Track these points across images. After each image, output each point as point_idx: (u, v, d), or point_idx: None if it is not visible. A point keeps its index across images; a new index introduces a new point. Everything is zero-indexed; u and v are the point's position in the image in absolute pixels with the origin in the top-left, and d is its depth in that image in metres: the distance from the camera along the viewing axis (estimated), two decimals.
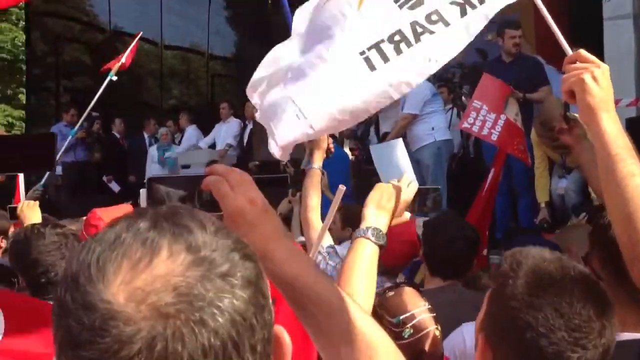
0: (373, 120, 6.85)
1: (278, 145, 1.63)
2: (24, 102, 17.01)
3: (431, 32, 1.58)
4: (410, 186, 1.59)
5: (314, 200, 2.66)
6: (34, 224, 2.21)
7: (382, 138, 6.39)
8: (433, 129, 5.89)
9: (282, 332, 0.69)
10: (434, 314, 1.86)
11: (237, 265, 0.63)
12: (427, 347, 1.73)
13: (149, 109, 12.53)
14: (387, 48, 1.58)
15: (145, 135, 9.84)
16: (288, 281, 0.99)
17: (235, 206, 1.00)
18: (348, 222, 3.56)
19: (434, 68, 1.59)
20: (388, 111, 6.48)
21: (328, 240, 2.73)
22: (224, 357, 0.59)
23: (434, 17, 1.59)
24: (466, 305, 2.37)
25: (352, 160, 7.15)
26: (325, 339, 1.00)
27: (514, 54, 5.47)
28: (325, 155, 2.73)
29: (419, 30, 1.59)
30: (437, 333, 1.80)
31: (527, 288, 1.13)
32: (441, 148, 5.90)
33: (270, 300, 0.67)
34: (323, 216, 2.94)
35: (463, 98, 6.72)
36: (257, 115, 1.77)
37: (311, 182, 2.67)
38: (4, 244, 3.20)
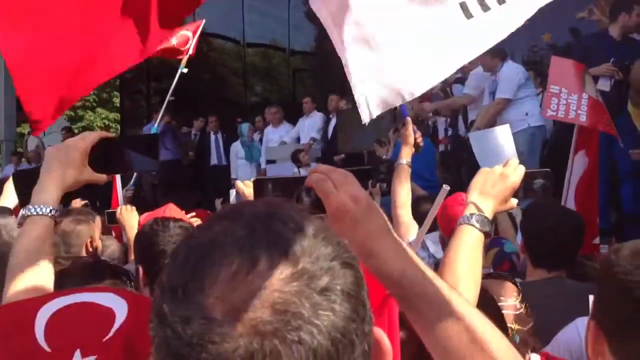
0: (461, 110, 6.71)
1: (371, 106, 1.56)
2: (118, 104, 17.96)
3: None
4: (517, 170, 1.50)
5: (402, 196, 2.64)
6: (158, 218, 2.30)
7: (470, 127, 6.24)
8: (527, 114, 5.70)
9: (382, 337, 0.67)
10: (520, 312, 1.79)
11: (337, 277, 0.61)
12: None
13: (233, 106, 12.87)
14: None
15: (211, 133, 10.01)
16: (394, 278, 0.97)
17: (339, 204, 0.99)
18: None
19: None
20: (477, 100, 6.34)
21: (413, 234, 2.70)
22: None
23: None
24: (574, 297, 2.26)
25: (442, 150, 7.02)
26: (433, 334, 0.98)
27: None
28: (413, 150, 2.69)
29: None
30: (509, 333, 1.72)
31: (631, 256, 1.10)
32: (535, 134, 5.70)
33: (370, 307, 0.65)
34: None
35: None
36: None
37: (399, 179, 2.64)
38: (99, 243, 3.30)
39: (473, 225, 1.41)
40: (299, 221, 0.65)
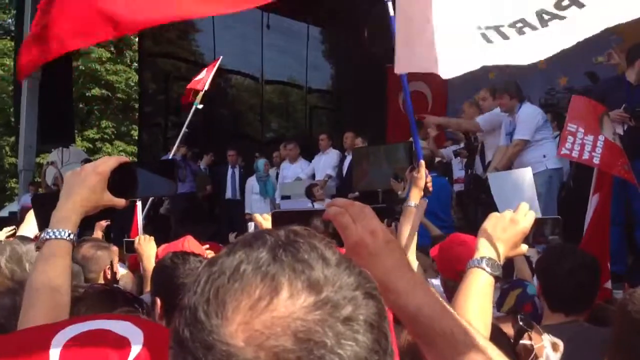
0: (478, 149, 6.70)
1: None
2: (136, 137, 18.17)
3: (561, 18, 1.47)
4: (527, 216, 1.49)
5: (406, 239, 2.62)
6: (178, 252, 2.30)
7: (487, 167, 6.24)
8: (544, 156, 5.69)
9: None
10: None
11: (360, 307, 0.61)
12: None
13: (249, 141, 12.98)
14: (508, 31, 1.51)
15: (229, 166, 10.08)
16: (411, 313, 0.96)
17: (357, 238, 0.99)
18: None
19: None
20: (493, 139, 6.34)
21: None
22: None
23: (565, 3, 1.47)
24: (593, 341, 2.21)
25: (458, 190, 7.01)
26: None
27: None
28: (422, 194, 2.70)
29: (546, 17, 1.49)
30: None
31: None
32: (552, 176, 5.69)
33: (391, 340, 0.64)
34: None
35: None
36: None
37: (406, 220, 2.63)
38: (117, 270, 3.34)
39: (483, 269, 1.40)
40: (321, 249, 0.64)
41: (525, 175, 4.41)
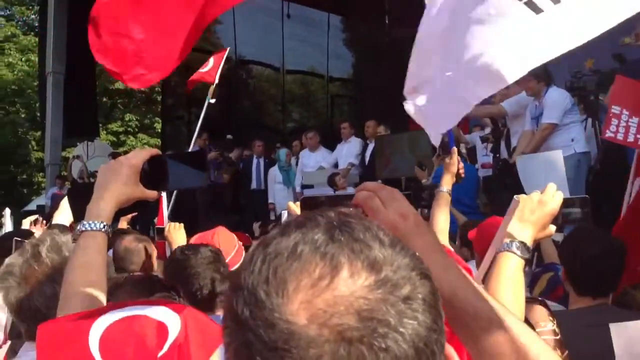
0: (504, 134, 6.64)
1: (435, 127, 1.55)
2: (159, 130, 18.36)
3: None
4: (555, 197, 1.48)
5: (441, 223, 2.63)
6: (187, 245, 2.35)
7: (512, 152, 6.18)
8: (573, 140, 5.62)
9: (452, 353, 0.66)
10: (559, 337, 1.74)
11: (418, 287, 0.61)
12: None
13: (271, 131, 13.02)
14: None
15: (254, 157, 10.12)
16: (445, 297, 0.94)
17: (387, 221, 0.98)
18: (463, 241, 3.45)
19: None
20: (518, 125, 6.28)
21: None
22: None
23: None
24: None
25: (484, 176, 6.95)
26: (485, 354, 0.96)
27: None
28: (454, 180, 2.70)
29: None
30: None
31: None
32: (581, 160, 5.62)
33: (444, 320, 0.64)
34: None
35: (601, 105, 6.34)
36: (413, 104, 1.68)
37: (439, 205, 2.64)
38: (155, 262, 3.41)
39: (514, 253, 1.39)
40: (375, 230, 0.64)
41: (556, 158, 4.35)
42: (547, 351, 0.96)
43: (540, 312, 1.79)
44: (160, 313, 1.00)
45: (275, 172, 9.77)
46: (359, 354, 0.55)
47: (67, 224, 2.58)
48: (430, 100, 1.63)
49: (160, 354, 0.95)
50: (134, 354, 0.95)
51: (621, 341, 4.16)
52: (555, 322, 1.81)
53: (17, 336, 1.96)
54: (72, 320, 1.09)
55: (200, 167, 1.48)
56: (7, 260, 1.88)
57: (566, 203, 1.52)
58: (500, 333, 0.94)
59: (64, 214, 2.58)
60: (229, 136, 10.67)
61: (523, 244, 1.41)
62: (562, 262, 2.73)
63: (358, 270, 0.59)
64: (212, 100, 6.86)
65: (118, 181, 1.37)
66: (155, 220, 4.85)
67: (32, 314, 1.73)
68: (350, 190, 7.81)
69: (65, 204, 2.54)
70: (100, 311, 1.03)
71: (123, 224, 5.24)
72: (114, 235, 4.11)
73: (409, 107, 1.83)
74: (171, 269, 2.33)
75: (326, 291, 0.58)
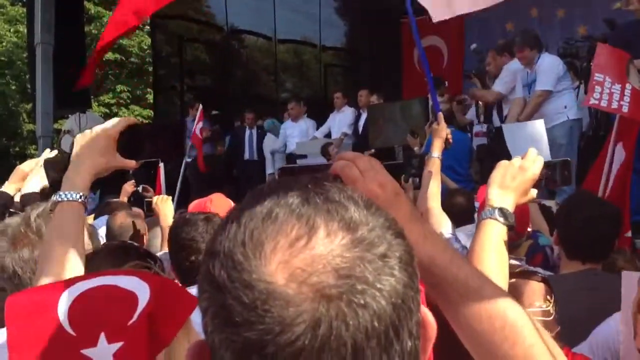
0: (495, 105, 6.64)
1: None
2: (152, 101, 18.20)
3: None
4: (536, 162, 1.49)
5: (433, 188, 2.65)
6: (184, 213, 2.36)
7: (504, 121, 6.19)
8: (565, 107, 5.62)
9: (427, 312, 0.67)
10: (549, 319, 1.76)
11: (393, 245, 0.62)
12: None
13: (264, 102, 12.94)
14: None
15: (246, 128, 10.07)
16: (424, 264, 0.94)
17: (366, 190, 0.96)
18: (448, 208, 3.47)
19: None
20: (511, 94, 6.29)
21: (449, 227, 2.70)
22: (385, 341, 0.58)
23: None
24: (608, 291, 2.23)
25: (478, 144, 6.96)
26: (464, 320, 0.97)
27: None
28: (444, 146, 2.72)
29: None
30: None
31: None
32: (573, 127, 5.65)
33: (418, 279, 0.65)
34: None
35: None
36: None
37: (431, 171, 2.66)
38: (146, 236, 3.44)
39: (496, 220, 1.39)
40: (349, 192, 0.65)
41: (539, 127, 4.39)
42: (524, 316, 0.97)
43: (536, 290, 1.78)
44: (130, 282, 1.00)
45: (267, 142, 9.76)
46: (338, 310, 0.56)
47: (13, 193, 2.58)
48: None
49: (130, 322, 0.95)
50: (104, 323, 0.95)
51: (511, 140, 4.20)
52: (552, 301, 1.81)
53: None
54: (41, 291, 1.10)
55: (179, 137, 1.48)
56: (6, 220, 1.91)
57: (547, 167, 1.53)
58: (477, 298, 0.95)
59: (34, 181, 2.57)
60: (214, 112, 10.62)
61: (504, 210, 1.41)
62: (555, 225, 2.76)
63: (334, 230, 0.60)
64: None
65: (94, 151, 1.37)
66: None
67: (9, 275, 1.75)
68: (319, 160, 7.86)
69: (36, 171, 2.53)
70: (70, 282, 1.03)
71: (124, 198, 5.26)
72: (107, 210, 4.15)
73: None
74: (170, 235, 2.37)
75: (304, 251, 0.59)
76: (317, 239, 0.59)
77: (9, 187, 2.57)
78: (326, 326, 0.56)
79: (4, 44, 22.19)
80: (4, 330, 1.18)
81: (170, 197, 3.41)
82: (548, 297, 1.79)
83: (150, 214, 3.80)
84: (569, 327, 1.97)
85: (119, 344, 0.93)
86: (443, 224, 2.68)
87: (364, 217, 0.62)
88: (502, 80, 6.37)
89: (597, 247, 2.61)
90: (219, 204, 2.91)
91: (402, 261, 0.61)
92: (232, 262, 0.59)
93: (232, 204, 3.05)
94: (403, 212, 0.97)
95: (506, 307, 0.97)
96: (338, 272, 0.57)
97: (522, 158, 1.50)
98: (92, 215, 4.95)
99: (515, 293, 1.66)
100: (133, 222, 3.24)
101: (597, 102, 3.93)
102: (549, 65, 5.75)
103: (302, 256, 0.58)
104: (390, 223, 0.64)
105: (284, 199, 0.62)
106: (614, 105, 3.88)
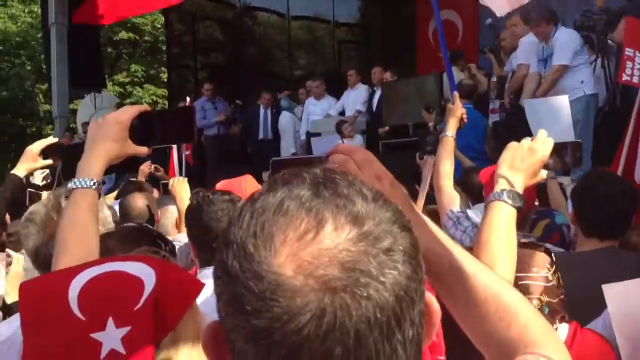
0: (508, 78, 6.56)
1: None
2: (166, 80, 18.24)
3: None
4: (546, 144, 1.48)
5: (446, 167, 2.65)
6: (199, 191, 2.33)
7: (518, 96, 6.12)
8: (582, 82, 5.54)
9: (432, 300, 0.69)
10: (551, 284, 1.78)
11: (398, 239, 0.64)
12: None
13: (278, 79, 12.91)
14: None
15: (261, 107, 10.06)
16: (422, 253, 0.98)
17: None
18: (464, 186, 3.46)
19: None
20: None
21: (457, 205, 2.71)
22: (387, 331, 0.61)
23: None
24: (627, 269, 2.22)
25: (494, 121, 6.91)
26: (461, 305, 0.99)
27: None
28: (458, 125, 2.71)
29: None
30: (537, 304, 1.71)
31: None
32: (590, 102, 5.56)
33: (423, 270, 0.67)
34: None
35: (610, 45, 6.20)
36: None
37: (444, 150, 2.66)
38: (156, 214, 3.50)
39: (505, 201, 1.40)
40: (359, 185, 0.67)
41: (562, 103, 4.33)
42: (518, 299, 0.99)
43: (538, 259, 1.81)
44: (137, 268, 1.03)
45: (285, 119, 9.74)
46: (343, 302, 0.59)
47: (23, 175, 2.58)
48: None
49: (136, 308, 0.98)
50: (111, 308, 0.98)
51: (533, 116, 4.17)
52: (553, 269, 1.83)
53: None
54: (53, 277, 1.13)
55: (189, 122, 1.50)
56: (30, 208, 1.96)
57: (558, 148, 1.53)
58: (473, 284, 0.98)
59: (23, 164, 2.56)
60: (238, 102, 10.66)
61: (514, 192, 1.41)
62: (572, 202, 2.74)
63: (342, 224, 0.62)
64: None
65: (107, 138, 1.39)
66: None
67: (47, 262, 1.80)
68: (349, 141, 7.84)
69: (27, 153, 2.53)
70: (80, 268, 1.06)
71: (142, 177, 5.34)
72: (124, 191, 4.20)
73: None
74: (187, 218, 2.31)
75: (311, 244, 0.61)
76: (324, 233, 0.62)
77: (19, 169, 2.59)
78: (331, 316, 0.59)
79: (19, 24, 22.29)
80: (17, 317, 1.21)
81: (187, 179, 3.45)
82: (548, 265, 1.81)
83: (165, 196, 3.85)
84: (587, 304, 1.97)
85: (126, 329, 0.96)
86: (453, 201, 2.69)
87: (370, 211, 0.64)
88: (520, 55, 6.25)
89: (615, 225, 2.59)
90: (252, 185, 2.91)
91: (407, 254, 0.64)
92: (244, 252, 0.62)
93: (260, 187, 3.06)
94: (399, 202, 0.99)
95: (501, 291, 0.99)
96: (343, 265, 0.60)
97: (532, 139, 1.50)
98: (113, 194, 5.03)
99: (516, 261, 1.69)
100: (148, 207, 3.27)
101: (629, 78, 3.83)
102: (566, 39, 5.66)
103: (310, 249, 0.61)
104: (397, 216, 0.66)
105: (295, 191, 0.65)
106: None
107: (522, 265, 1.70)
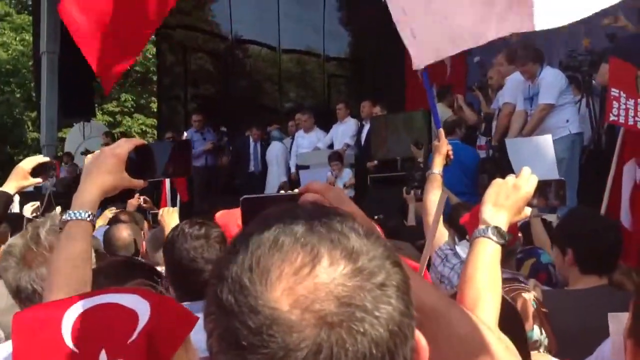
0: (495, 116, 6.64)
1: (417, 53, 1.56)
2: (155, 110, 18.30)
3: None
4: (530, 181, 1.49)
5: (434, 205, 2.66)
6: (179, 225, 2.29)
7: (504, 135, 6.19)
8: (567, 121, 5.62)
9: (420, 336, 0.69)
10: (543, 347, 1.77)
11: (391, 274, 0.64)
12: None
13: (268, 112, 12.99)
14: None
15: (251, 141, 10.12)
16: None
17: None
18: (451, 222, 3.46)
19: None
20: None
21: (447, 242, 2.71)
22: None
23: None
24: (625, 306, 2.21)
25: (482, 157, 6.97)
26: (437, 343, 1.00)
27: None
28: (444, 162, 2.72)
29: None
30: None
31: None
32: (575, 141, 5.64)
33: (414, 306, 0.67)
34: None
35: (594, 85, 6.31)
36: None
37: (432, 187, 2.66)
38: (140, 245, 3.47)
39: (490, 238, 1.40)
40: (350, 222, 0.68)
41: (546, 142, 4.37)
42: (492, 336, 1.00)
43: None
44: (131, 301, 1.03)
45: (274, 151, 9.77)
46: (339, 337, 0.59)
47: (13, 192, 2.54)
48: (425, 28, 1.62)
49: (130, 340, 0.97)
50: (105, 340, 0.97)
51: (515, 155, 4.08)
52: (542, 327, 1.82)
53: None
54: (47, 308, 1.12)
55: (186, 156, 1.50)
56: (9, 241, 1.92)
57: (542, 186, 1.54)
58: (446, 323, 0.99)
59: (13, 182, 2.52)
60: (223, 128, 10.72)
61: (498, 229, 1.42)
62: (566, 243, 2.68)
63: (337, 259, 0.63)
64: None
65: (103, 171, 1.40)
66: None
67: (28, 295, 1.77)
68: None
69: (18, 170, 2.50)
70: (74, 299, 1.05)
71: (130, 209, 5.34)
72: (114, 225, 4.19)
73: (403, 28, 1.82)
74: (164, 254, 2.25)
75: (307, 279, 0.61)
76: (320, 268, 0.62)
77: (9, 186, 2.56)
78: (327, 352, 0.59)
79: (10, 52, 22.35)
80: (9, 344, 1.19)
81: (177, 209, 3.43)
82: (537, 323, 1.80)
83: (155, 226, 3.83)
84: (587, 340, 1.95)
85: None
86: (442, 238, 2.69)
87: (364, 246, 0.65)
88: (506, 93, 6.35)
89: (610, 260, 2.59)
90: None
91: (400, 290, 0.64)
92: (239, 286, 0.62)
93: None
94: None
95: (475, 332, 1.00)
96: (339, 300, 0.60)
97: (516, 176, 1.51)
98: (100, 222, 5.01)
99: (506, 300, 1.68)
100: (134, 240, 3.26)
101: (616, 118, 3.83)
102: (552, 79, 5.76)
103: (306, 284, 0.61)
104: (389, 252, 0.67)
105: (289, 227, 0.65)
106: (630, 121, 3.78)
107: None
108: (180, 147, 1.55)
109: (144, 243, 3.49)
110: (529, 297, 1.86)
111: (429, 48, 1.64)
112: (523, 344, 1.46)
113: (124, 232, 3.45)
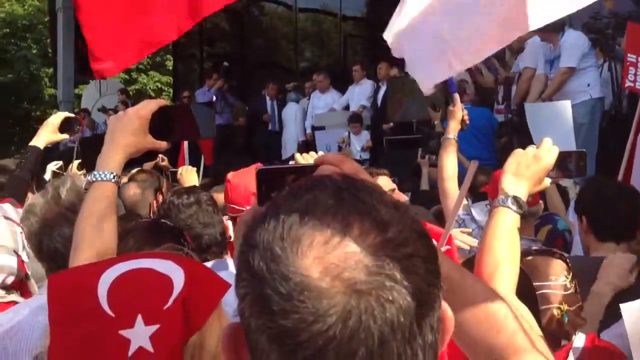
0: (515, 79, 6.54)
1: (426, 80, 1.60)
2: (171, 68, 18.22)
3: None
4: (551, 152, 1.50)
5: (449, 170, 2.66)
6: (165, 199, 2.32)
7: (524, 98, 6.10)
8: (589, 85, 5.52)
9: (446, 306, 0.71)
10: (569, 292, 1.77)
11: (419, 245, 0.66)
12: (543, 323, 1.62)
13: (283, 71, 12.88)
14: None
15: (267, 98, 10.07)
16: None
17: None
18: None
19: None
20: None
21: (463, 207, 2.72)
22: (409, 335, 0.63)
23: None
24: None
25: (500, 121, 6.90)
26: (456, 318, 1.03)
27: None
28: (460, 127, 2.72)
29: None
30: (557, 313, 1.69)
31: None
32: (595, 106, 5.55)
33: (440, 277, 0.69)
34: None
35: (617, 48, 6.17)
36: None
37: (447, 152, 2.66)
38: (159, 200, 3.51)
39: (509, 208, 1.42)
40: (378, 193, 0.69)
41: (564, 108, 4.32)
42: (505, 306, 1.02)
43: (554, 266, 1.78)
44: (166, 267, 1.04)
45: (290, 110, 9.74)
46: (368, 304, 0.61)
47: (42, 146, 2.59)
48: (422, 51, 1.67)
49: (166, 306, 0.99)
50: (141, 306, 0.99)
51: (533, 120, 4.13)
52: (570, 276, 1.83)
53: None
54: (82, 272, 1.14)
55: (208, 118, 1.50)
56: (29, 200, 1.96)
57: (562, 156, 1.54)
58: (461, 292, 1.01)
59: (43, 136, 2.58)
60: (225, 63, 10.63)
61: (518, 199, 1.44)
62: (581, 211, 2.69)
63: (367, 229, 0.64)
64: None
65: (127, 132, 1.41)
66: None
67: (50, 254, 1.81)
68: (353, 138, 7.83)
69: (48, 124, 2.54)
70: (108, 263, 1.07)
71: (147, 167, 5.38)
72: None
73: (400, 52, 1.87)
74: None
75: (338, 248, 0.63)
76: (350, 238, 0.64)
77: (39, 140, 2.59)
78: (356, 319, 0.61)
79: (26, 7, 22.23)
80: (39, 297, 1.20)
81: (195, 168, 3.47)
82: (565, 272, 1.81)
83: (175, 185, 3.87)
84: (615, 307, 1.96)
85: (155, 327, 0.97)
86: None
87: (394, 217, 0.66)
88: (526, 57, 6.23)
89: (629, 225, 2.58)
90: None
91: (427, 260, 0.66)
92: (270, 254, 0.64)
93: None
94: None
95: (488, 298, 1.02)
96: (369, 269, 0.62)
97: (537, 147, 1.51)
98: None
99: (533, 270, 1.69)
100: (144, 193, 3.28)
101: (632, 84, 3.83)
102: (574, 42, 5.64)
103: (336, 253, 0.63)
104: (417, 224, 0.68)
105: (319, 197, 0.67)
106: None
107: (539, 274, 1.71)
108: (203, 108, 1.56)
109: (159, 199, 3.51)
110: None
111: (433, 75, 1.67)
112: (535, 312, 1.48)
113: (131, 190, 3.47)
